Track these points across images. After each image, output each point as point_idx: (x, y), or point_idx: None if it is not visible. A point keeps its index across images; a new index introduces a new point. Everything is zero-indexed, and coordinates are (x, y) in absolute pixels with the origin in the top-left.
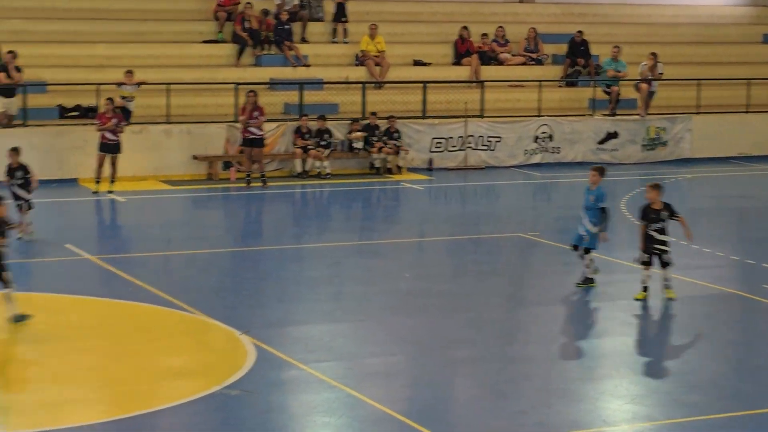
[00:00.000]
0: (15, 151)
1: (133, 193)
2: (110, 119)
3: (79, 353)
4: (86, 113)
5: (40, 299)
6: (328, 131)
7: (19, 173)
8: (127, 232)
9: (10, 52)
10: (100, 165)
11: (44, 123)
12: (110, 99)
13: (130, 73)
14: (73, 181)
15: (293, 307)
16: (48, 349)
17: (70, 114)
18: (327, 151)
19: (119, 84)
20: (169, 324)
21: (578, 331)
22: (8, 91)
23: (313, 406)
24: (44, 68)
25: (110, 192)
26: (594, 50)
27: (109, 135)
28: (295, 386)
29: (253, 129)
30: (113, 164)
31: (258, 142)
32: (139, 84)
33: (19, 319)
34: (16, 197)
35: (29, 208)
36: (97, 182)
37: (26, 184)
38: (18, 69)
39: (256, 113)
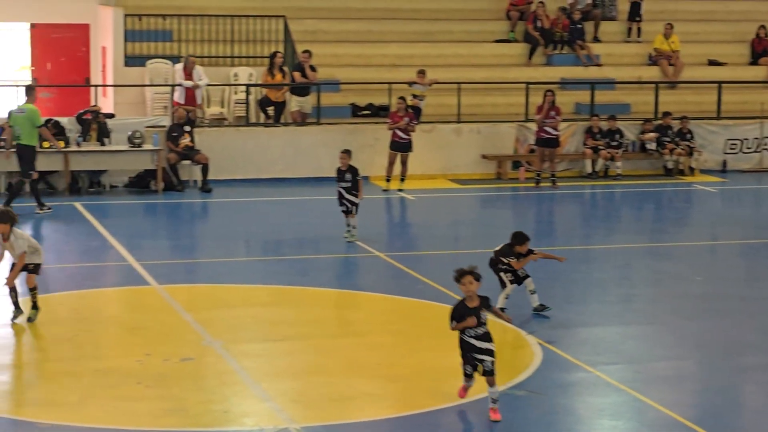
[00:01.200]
0: (346, 153)
1: (422, 191)
2: (402, 118)
3: (367, 349)
4: (378, 112)
5: (330, 295)
6: (619, 131)
7: (348, 176)
8: (415, 230)
9: (306, 51)
10: (391, 163)
11: (337, 121)
12: (402, 98)
13: (422, 73)
14: (364, 179)
15: (582, 309)
16: (337, 344)
17: (362, 112)
18: (618, 152)
19: (411, 83)
20: None
21: None
22: (303, 90)
23: (599, 409)
24: (338, 67)
25: (400, 190)
26: None
27: (400, 133)
28: (582, 388)
29: (548, 128)
30: (404, 162)
31: (553, 142)
32: (431, 83)
33: (541, 309)
34: (343, 200)
35: (357, 211)
36: (388, 180)
37: (354, 188)
38: (313, 68)
39: (552, 112)
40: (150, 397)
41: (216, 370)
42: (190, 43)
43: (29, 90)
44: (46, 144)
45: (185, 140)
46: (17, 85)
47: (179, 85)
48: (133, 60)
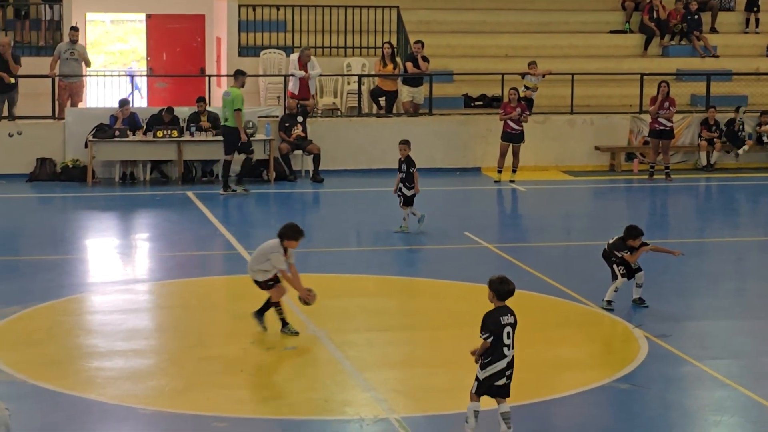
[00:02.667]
0: (405, 143)
1: (533, 182)
2: (514, 109)
3: (471, 340)
4: (491, 103)
5: (436, 286)
6: (741, 123)
7: (404, 166)
8: (526, 222)
9: (418, 42)
10: (503, 154)
11: (449, 112)
12: (514, 89)
13: (534, 64)
14: (476, 170)
15: (691, 302)
16: (441, 335)
17: (474, 103)
18: (739, 145)
19: (524, 74)
20: (563, 315)
21: None
22: (416, 81)
23: (704, 404)
24: (451, 58)
25: (512, 181)
26: None
27: (512, 124)
28: (687, 383)
29: (662, 120)
30: (516, 154)
31: (667, 134)
32: (544, 75)
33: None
34: (400, 190)
35: (406, 203)
36: (499, 171)
37: (408, 179)
38: (425, 59)
39: (667, 104)
40: (252, 385)
41: (318, 359)
42: (304, 33)
43: (238, 74)
44: (160, 133)
45: (297, 130)
46: (133, 75)
47: (292, 75)
48: (247, 50)
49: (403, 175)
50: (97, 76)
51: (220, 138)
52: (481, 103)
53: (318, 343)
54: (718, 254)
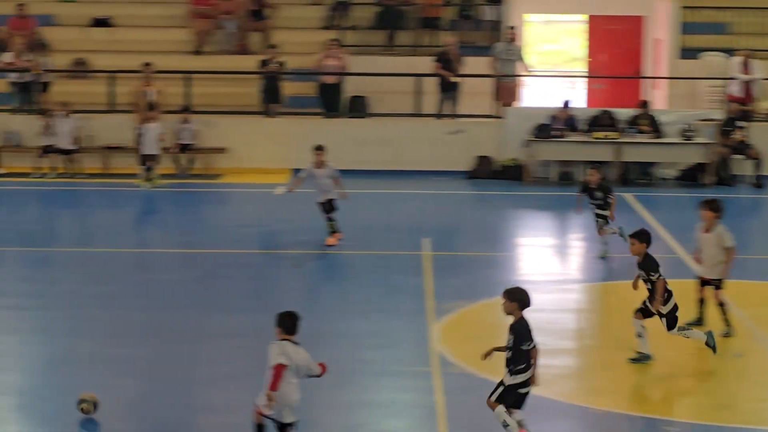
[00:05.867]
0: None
1: None
2: None
3: None
4: None
5: None
6: None
7: (598, 194)
8: None
9: None
10: None
11: None
12: None
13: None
14: None
15: None
16: None
17: None
18: None
19: None
20: None
21: None
22: None
23: None
24: None
25: None
26: None
27: None
28: None
29: None
30: None
31: None
32: None
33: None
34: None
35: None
36: None
37: (606, 206)
38: None
39: None
40: (701, 391)
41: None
42: (745, 36)
43: None
44: (599, 134)
45: (738, 135)
46: (570, 76)
47: (733, 78)
48: (686, 52)
49: (600, 203)
50: (539, 76)
51: (660, 140)
52: None
53: (765, 352)
54: None
